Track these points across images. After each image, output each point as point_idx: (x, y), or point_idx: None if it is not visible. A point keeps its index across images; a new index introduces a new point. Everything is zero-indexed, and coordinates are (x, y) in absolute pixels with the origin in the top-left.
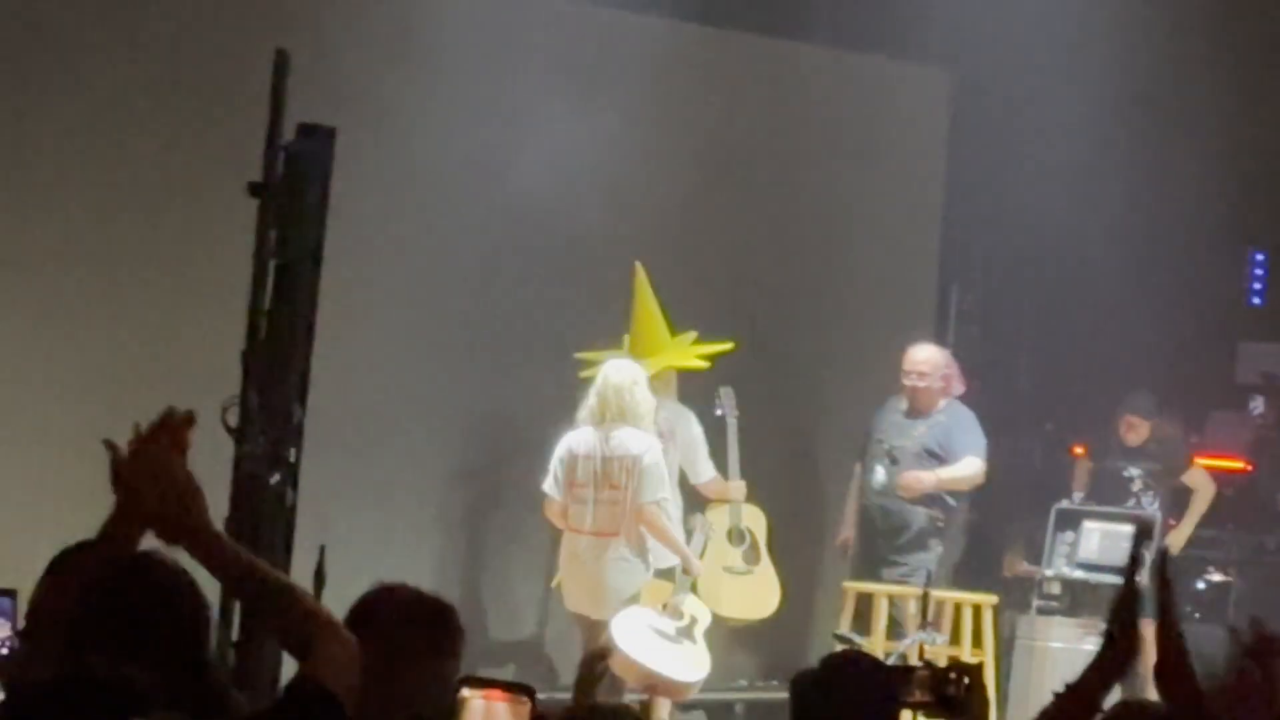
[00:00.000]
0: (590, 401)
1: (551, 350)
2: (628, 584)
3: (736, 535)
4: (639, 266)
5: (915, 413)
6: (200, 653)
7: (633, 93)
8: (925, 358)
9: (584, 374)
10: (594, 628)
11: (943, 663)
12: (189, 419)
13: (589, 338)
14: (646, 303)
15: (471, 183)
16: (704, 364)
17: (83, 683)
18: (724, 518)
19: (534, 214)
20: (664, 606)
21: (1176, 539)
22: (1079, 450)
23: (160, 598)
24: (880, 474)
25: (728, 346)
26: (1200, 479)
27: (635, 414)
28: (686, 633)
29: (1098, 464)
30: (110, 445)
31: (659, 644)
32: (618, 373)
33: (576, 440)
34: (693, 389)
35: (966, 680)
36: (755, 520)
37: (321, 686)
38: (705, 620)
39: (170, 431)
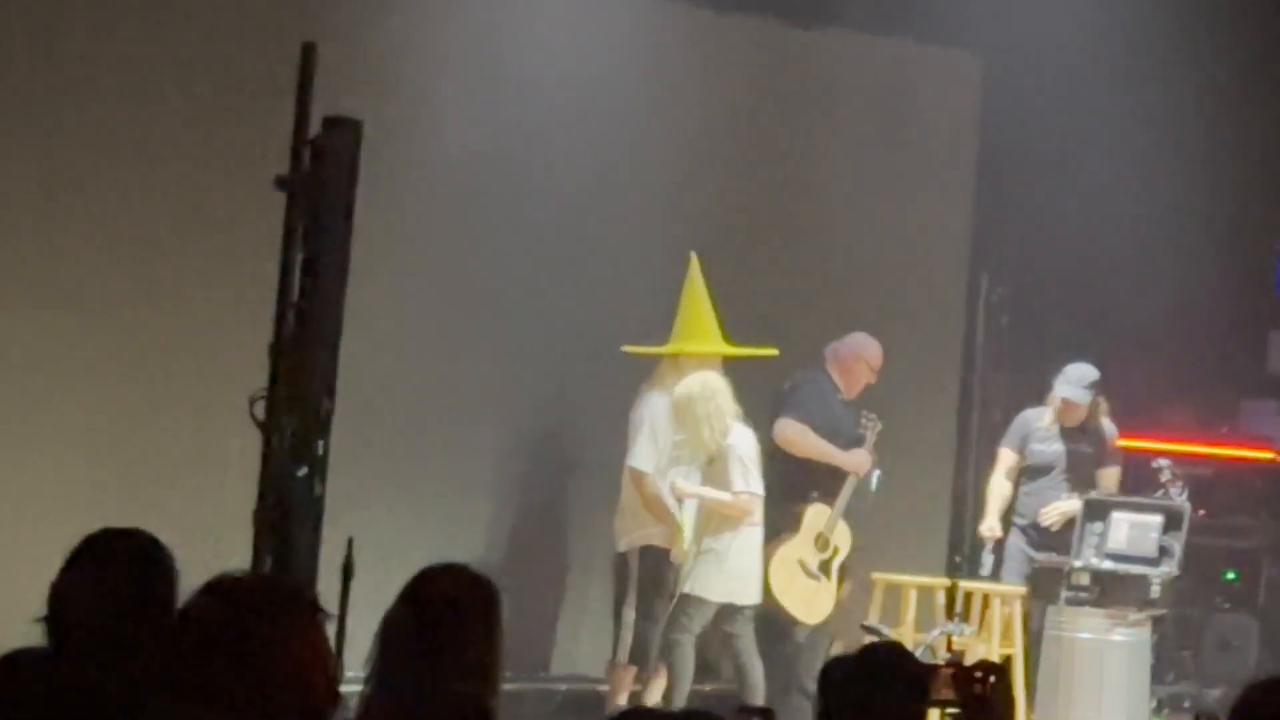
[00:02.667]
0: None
1: (583, 341)
2: None
3: (823, 542)
4: (694, 256)
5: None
6: None
7: (663, 80)
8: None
9: (630, 349)
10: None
11: (970, 656)
12: None
13: (622, 327)
14: (697, 292)
15: (500, 174)
16: (759, 352)
17: None
18: (823, 519)
19: (564, 204)
20: (817, 538)
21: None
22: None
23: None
24: None
25: (771, 352)
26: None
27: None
28: (825, 568)
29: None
30: None
31: (799, 581)
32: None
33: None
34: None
35: (993, 679)
36: (844, 538)
37: None
38: (845, 550)
39: None
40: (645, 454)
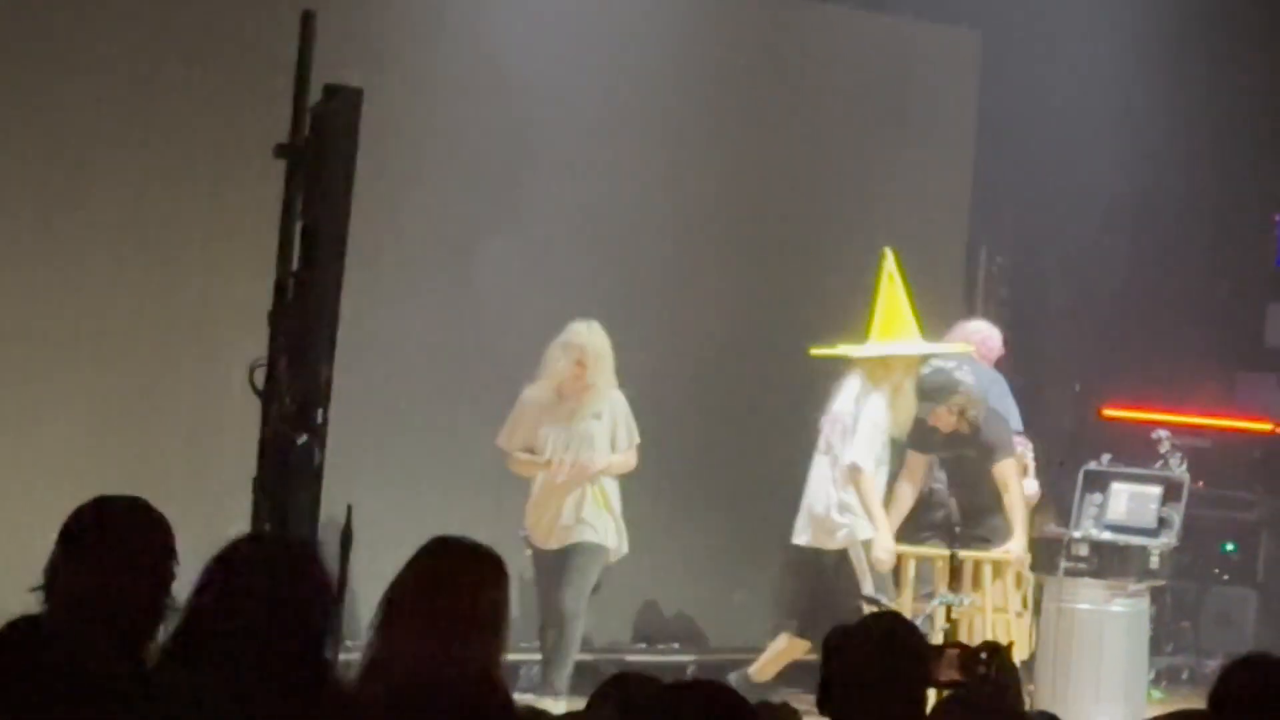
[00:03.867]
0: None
1: (584, 310)
2: None
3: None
4: (889, 252)
5: None
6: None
7: (660, 55)
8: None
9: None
10: None
11: (968, 626)
12: None
13: (626, 297)
14: (895, 289)
15: (498, 144)
16: (959, 349)
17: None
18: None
19: (562, 174)
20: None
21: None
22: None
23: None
24: None
25: (967, 349)
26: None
27: None
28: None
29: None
30: None
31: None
32: None
33: None
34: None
35: (997, 659)
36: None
37: None
38: None
39: None
40: (866, 451)
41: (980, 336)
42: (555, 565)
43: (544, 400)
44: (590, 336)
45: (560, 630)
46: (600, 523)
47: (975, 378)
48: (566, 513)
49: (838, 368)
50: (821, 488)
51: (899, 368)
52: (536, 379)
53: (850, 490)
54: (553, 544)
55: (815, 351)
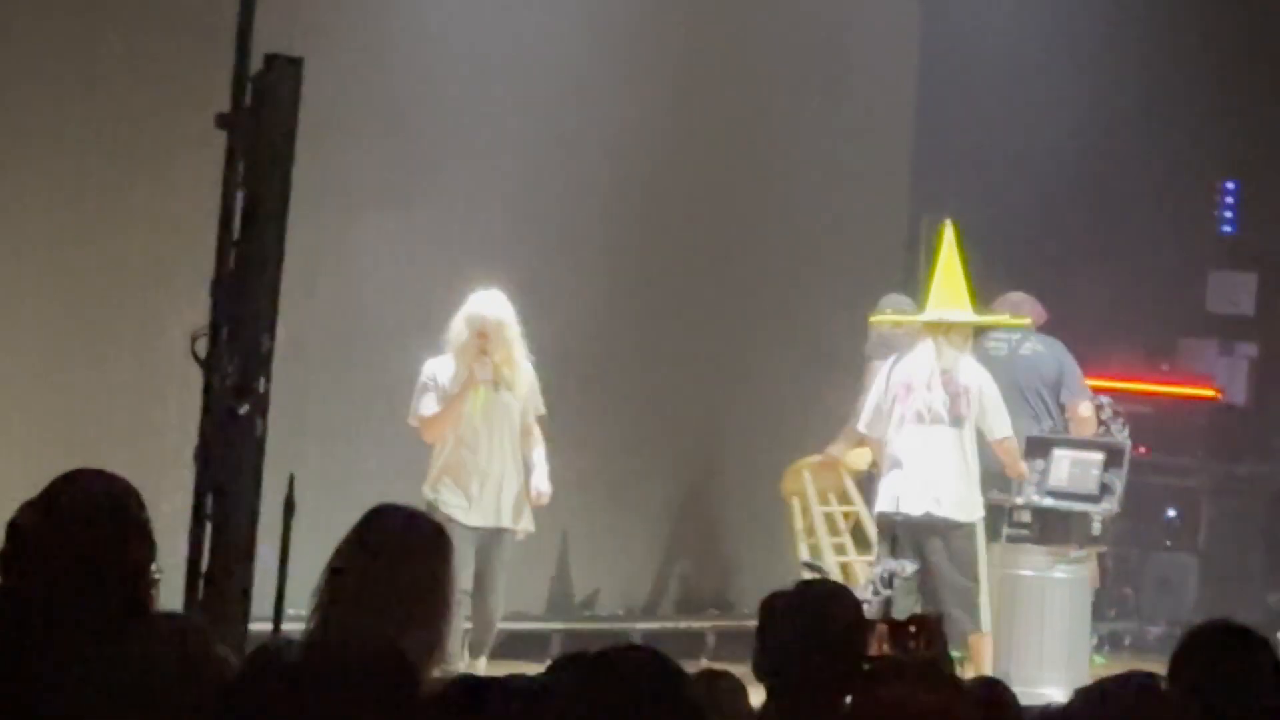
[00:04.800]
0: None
1: (526, 279)
2: None
3: None
4: (949, 224)
5: None
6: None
7: (604, 26)
8: None
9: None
10: None
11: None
12: None
13: (567, 262)
14: (952, 259)
15: (441, 113)
16: (1018, 321)
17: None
18: None
19: (505, 143)
20: None
21: None
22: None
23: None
24: None
25: (1025, 321)
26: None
27: None
28: None
29: None
30: None
31: None
32: None
33: None
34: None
35: (926, 633)
36: None
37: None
38: None
39: None
40: (1009, 421)
41: (1029, 307)
42: (484, 543)
43: (452, 372)
44: (492, 307)
45: (491, 615)
46: (527, 507)
47: (1045, 346)
48: (492, 491)
49: (793, 334)
50: (949, 458)
51: (958, 336)
52: (441, 352)
53: (975, 462)
54: (475, 520)
55: (878, 319)
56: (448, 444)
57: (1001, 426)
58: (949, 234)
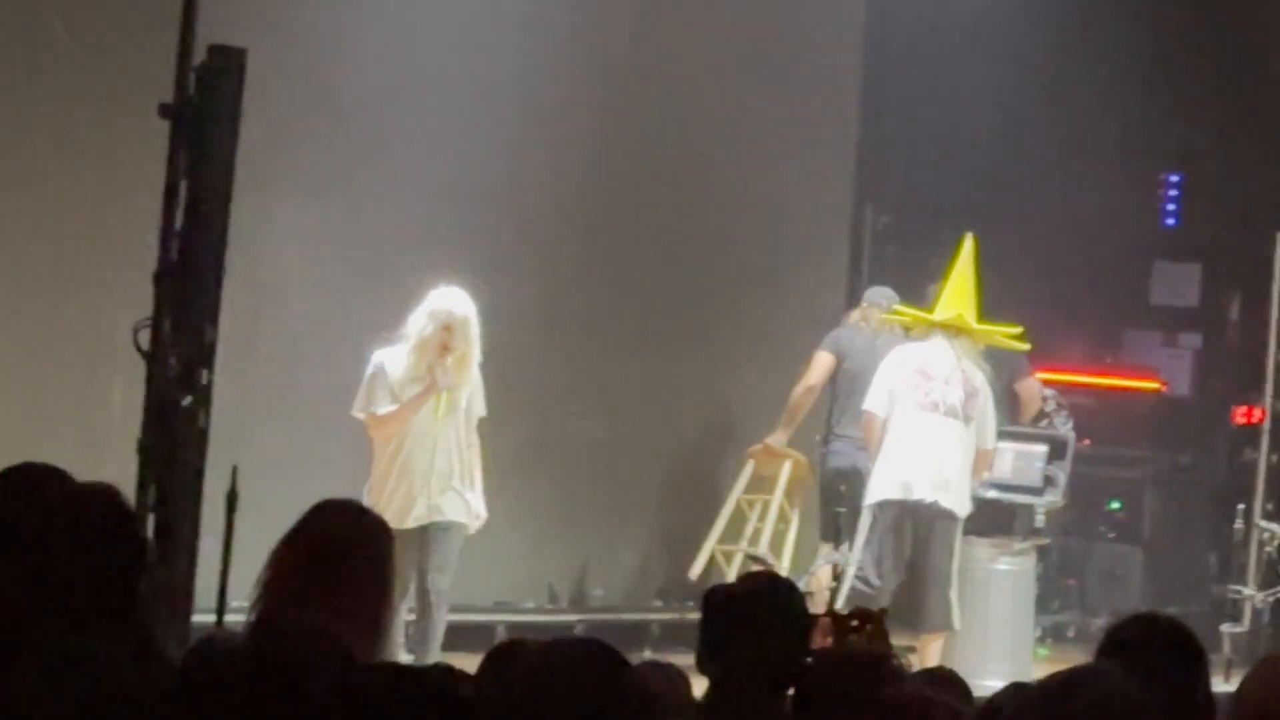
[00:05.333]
0: None
1: (467, 270)
2: None
3: None
4: (971, 237)
5: None
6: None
7: (546, 13)
8: None
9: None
10: None
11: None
12: None
13: (505, 258)
14: (967, 270)
15: (384, 104)
16: (1022, 345)
17: None
18: None
19: (447, 132)
20: None
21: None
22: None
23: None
24: None
25: (1024, 346)
26: None
27: None
28: None
29: None
30: None
31: None
32: None
33: None
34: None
35: (869, 627)
36: None
37: None
38: None
39: None
40: (995, 434)
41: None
42: (428, 540)
43: (406, 365)
44: (459, 304)
45: (435, 612)
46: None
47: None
48: (438, 488)
49: (737, 322)
50: (957, 453)
51: (976, 340)
52: (393, 343)
53: (970, 466)
54: (420, 520)
55: (892, 319)
56: (391, 445)
57: (991, 437)
58: (969, 245)
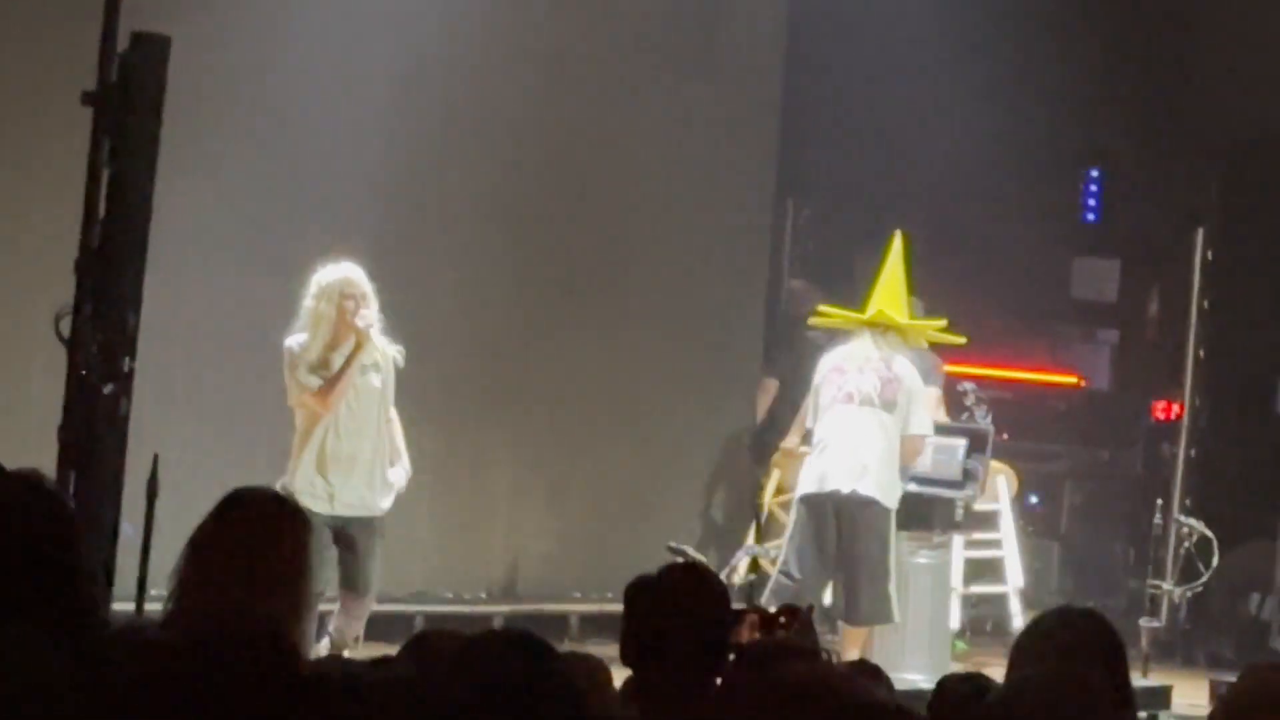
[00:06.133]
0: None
1: (393, 257)
2: None
3: None
4: (899, 234)
5: None
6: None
7: (470, 9)
8: None
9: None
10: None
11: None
12: None
13: (436, 241)
14: (897, 267)
15: (310, 90)
16: (958, 339)
17: None
18: None
19: (372, 118)
20: None
21: None
22: None
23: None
24: None
25: (960, 340)
26: None
27: None
28: None
29: None
30: None
31: None
32: None
33: None
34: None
35: (796, 623)
36: None
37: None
38: None
39: None
40: (930, 423)
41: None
42: (350, 531)
43: (318, 351)
44: (354, 272)
45: (364, 602)
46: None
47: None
48: (360, 477)
49: (660, 314)
50: (877, 439)
51: (897, 338)
52: (295, 330)
53: (896, 454)
54: (340, 509)
55: (820, 320)
56: (314, 432)
57: (921, 424)
58: (898, 243)
